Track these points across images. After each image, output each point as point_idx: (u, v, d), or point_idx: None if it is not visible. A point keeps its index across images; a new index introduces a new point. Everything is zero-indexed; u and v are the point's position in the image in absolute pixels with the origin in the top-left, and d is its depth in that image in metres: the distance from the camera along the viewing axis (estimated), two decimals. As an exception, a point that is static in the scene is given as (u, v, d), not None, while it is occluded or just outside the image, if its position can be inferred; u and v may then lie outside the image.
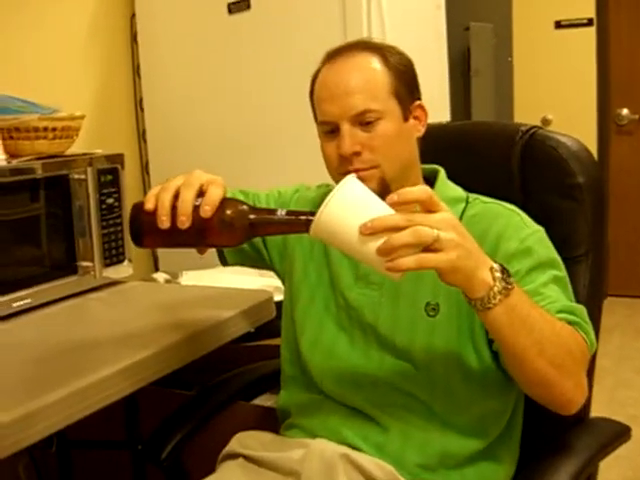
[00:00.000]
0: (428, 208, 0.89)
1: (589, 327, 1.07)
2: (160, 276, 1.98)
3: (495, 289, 0.92)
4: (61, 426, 1.04)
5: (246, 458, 1.22)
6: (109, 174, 1.63)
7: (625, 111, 4.29)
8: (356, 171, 1.11)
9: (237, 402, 1.48)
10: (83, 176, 1.57)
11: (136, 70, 2.39)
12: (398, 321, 1.15)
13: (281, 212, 0.99)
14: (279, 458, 1.18)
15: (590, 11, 4.05)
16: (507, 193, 1.25)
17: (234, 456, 1.24)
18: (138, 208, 1.01)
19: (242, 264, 1.40)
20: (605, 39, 4.17)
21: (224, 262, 1.39)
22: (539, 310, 0.99)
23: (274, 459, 1.18)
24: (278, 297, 1.47)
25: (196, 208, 0.97)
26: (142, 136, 2.42)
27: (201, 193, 0.98)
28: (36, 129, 1.54)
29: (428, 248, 0.87)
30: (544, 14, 4.12)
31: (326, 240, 0.94)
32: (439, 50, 2.41)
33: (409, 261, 0.87)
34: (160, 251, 2.38)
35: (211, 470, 1.25)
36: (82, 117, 1.66)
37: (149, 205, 0.98)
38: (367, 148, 1.13)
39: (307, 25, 2.00)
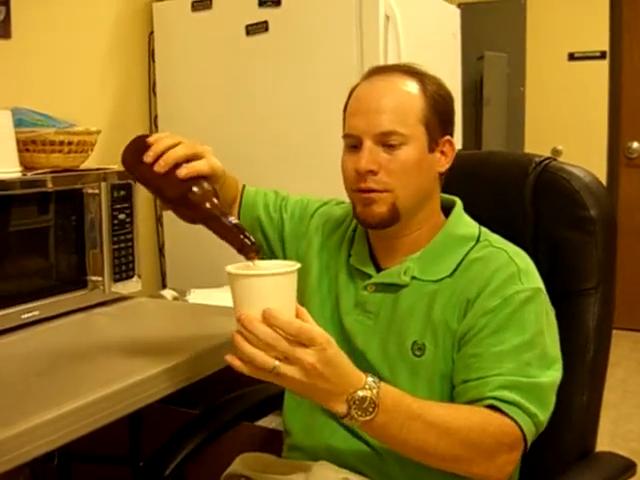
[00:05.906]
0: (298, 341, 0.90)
1: (536, 407, 1.01)
2: (168, 293, 1.97)
3: (349, 418, 0.93)
4: (64, 442, 1.03)
5: (248, 480, 1.22)
6: (122, 190, 1.64)
7: (636, 144, 4.29)
8: (369, 190, 1.11)
9: (242, 423, 1.48)
10: (97, 190, 1.58)
11: (152, 87, 2.41)
12: (386, 355, 1.13)
13: (230, 219, 1.03)
14: (281, 482, 1.17)
15: (604, 44, 4.09)
16: (519, 223, 1.26)
17: (236, 477, 1.23)
18: (143, 136, 1.11)
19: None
20: (618, 72, 4.19)
21: None
22: (423, 416, 0.97)
23: (276, 482, 1.17)
24: (286, 318, 1.47)
25: (178, 166, 1.05)
26: (155, 153, 2.42)
27: None
28: (52, 142, 1.56)
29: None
30: (558, 45, 4.16)
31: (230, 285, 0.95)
32: (453, 77, 2.42)
33: (243, 368, 0.91)
34: (168, 268, 2.38)
35: (213, 490, 1.25)
36: (98, 132, 1.68)
37: (151, 140, 1.08)
38: (384, 170, 1.10)
39: (324, 50, 2.01)
